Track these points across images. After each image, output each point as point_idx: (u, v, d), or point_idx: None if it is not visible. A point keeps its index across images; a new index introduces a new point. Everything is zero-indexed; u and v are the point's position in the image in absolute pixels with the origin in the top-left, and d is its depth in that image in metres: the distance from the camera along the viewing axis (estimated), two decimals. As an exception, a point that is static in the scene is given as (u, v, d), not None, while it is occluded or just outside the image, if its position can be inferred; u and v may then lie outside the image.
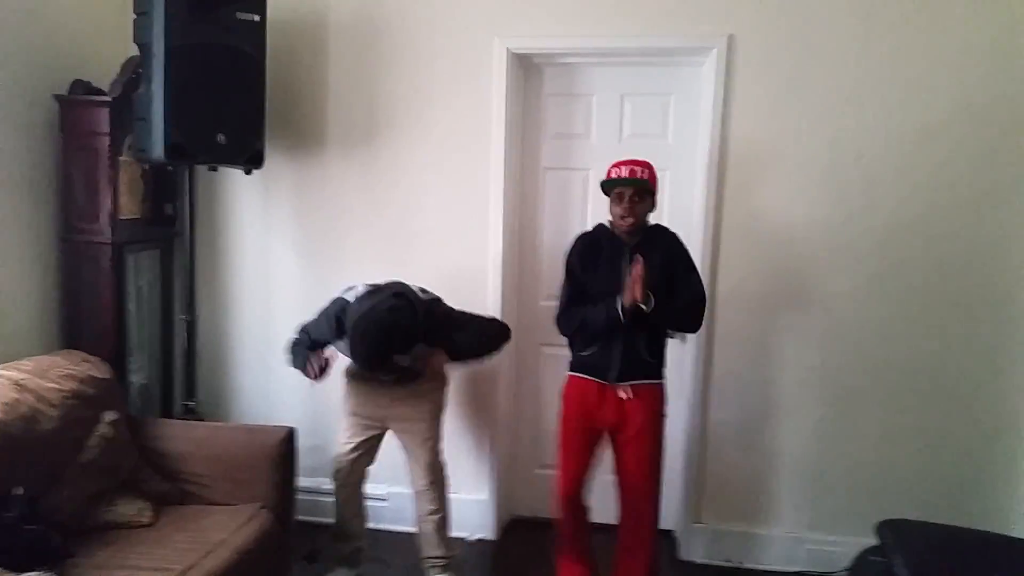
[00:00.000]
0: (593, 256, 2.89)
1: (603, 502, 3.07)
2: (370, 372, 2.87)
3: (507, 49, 3.40)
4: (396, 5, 3.49)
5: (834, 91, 3.20)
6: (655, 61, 3.46)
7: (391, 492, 3.56)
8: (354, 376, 3.07)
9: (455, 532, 3.24)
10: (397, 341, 2.67)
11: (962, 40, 3.11)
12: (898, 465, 3.34)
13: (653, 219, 2.90)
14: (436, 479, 3.09)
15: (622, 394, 2.82)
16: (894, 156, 3.19)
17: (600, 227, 2.93)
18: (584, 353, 2.89)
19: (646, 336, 2.81)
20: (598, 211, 3.57)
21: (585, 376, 2.89)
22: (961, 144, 3.15)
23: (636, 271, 2.63)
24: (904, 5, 3.12)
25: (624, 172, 2.77)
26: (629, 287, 2.64)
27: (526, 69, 3.57)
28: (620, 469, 2.93)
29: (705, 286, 2.92)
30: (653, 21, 3.31)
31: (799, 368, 3.36)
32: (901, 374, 3.30)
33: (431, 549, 3.12)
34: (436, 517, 3.10)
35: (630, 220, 2.78)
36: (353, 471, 3.08)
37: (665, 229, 2.90)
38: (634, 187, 2.76)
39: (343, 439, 3.08)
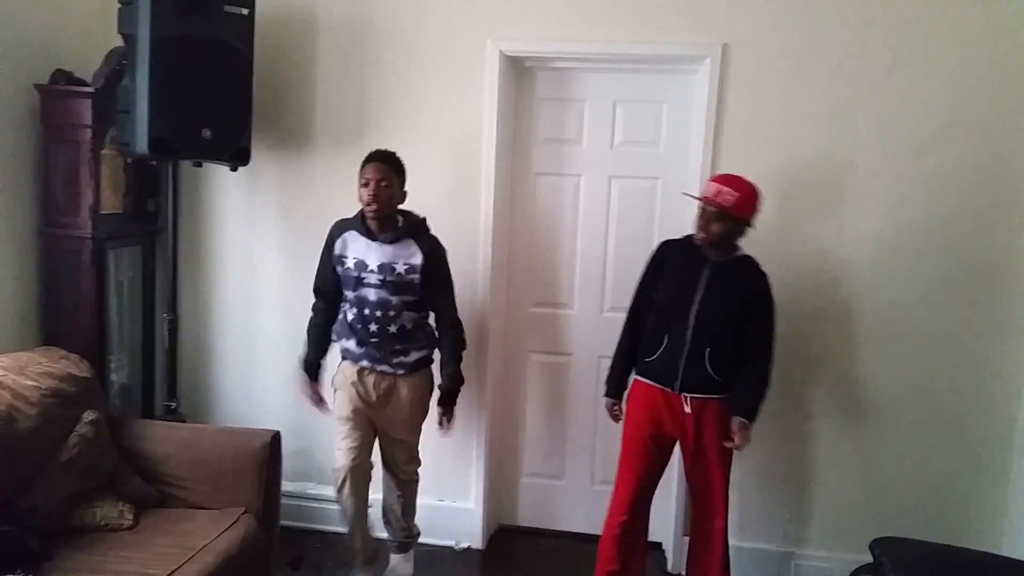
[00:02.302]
0: (670, 263, 2.87)
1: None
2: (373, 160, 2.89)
3: (500, 51, 3.36)
4: (388, 3, 3.44)
5: (828, 102, 3.19)
6: (648, 68, 3.43)
7: (375, 499, 3.48)
8: (345, 380, 2.99)
9: (441, 540, 3.18)
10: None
11: (957, 56, 3.11)
12: (888, 482, 3.32)
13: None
14: (415, 465, 3.14)
15: (687, 408, 2.78)
16: (888, 169, 3.18)
17: (688, 237, 2.85)
18: (648, 359, 2.86)
19: (712, 349, 2.74)
20: (589, 218, 3.58)
21: (649, 382, 2.86)
22: (954, 159, 3.14)
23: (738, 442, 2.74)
24: (900, 19, 3.12)
25: (710, 191, 2.72)
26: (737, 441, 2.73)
27: (518, 72, 3.53)
28: (688, 482, 2.98)
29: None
30: (647, 28, 3.28)
31: (788, 383, 3.32)
32: (892, 390, 3.28)
33: (398, 528, 3.17)
34: (411, 488, 3.16)
35: (702, 236, 2.75)
36: (356, 479, 2.97)
37: (755, 267, 2.82)
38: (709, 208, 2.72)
39: (342, 447, 2.96)
